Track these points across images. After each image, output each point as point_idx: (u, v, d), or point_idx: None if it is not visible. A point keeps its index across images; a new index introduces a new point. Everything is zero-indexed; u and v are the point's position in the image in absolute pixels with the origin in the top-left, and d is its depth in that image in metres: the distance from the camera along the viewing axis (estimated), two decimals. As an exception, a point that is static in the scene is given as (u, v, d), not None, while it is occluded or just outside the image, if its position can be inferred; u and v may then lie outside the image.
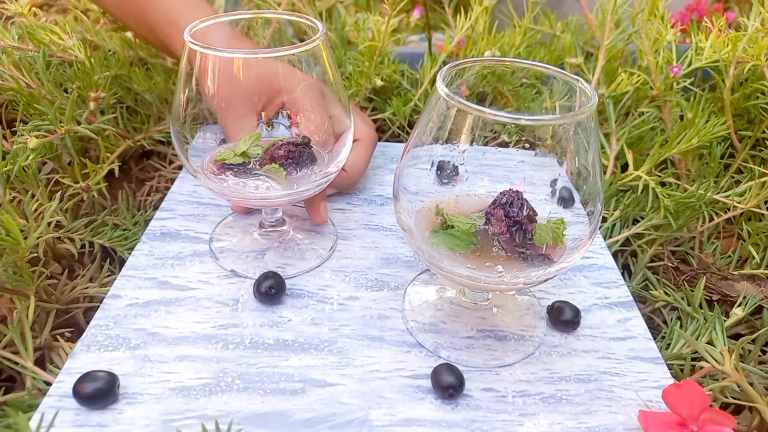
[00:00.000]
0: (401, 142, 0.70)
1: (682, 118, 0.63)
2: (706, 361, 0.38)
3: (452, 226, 0.37)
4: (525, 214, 0.38)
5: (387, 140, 0.71)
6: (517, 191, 0.39)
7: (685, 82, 0.61)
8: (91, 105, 0.54)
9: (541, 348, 0.41)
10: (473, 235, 0.37)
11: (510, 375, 0.39)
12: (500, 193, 0.40)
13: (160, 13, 0.46)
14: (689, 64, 0.60)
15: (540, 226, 0.38)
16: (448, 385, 0.36)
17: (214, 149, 0.44)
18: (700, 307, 0.46)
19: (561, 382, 0.38)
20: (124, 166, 0.66)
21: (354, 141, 0.53)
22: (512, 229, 0.37)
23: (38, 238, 0.42)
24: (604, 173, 0.60)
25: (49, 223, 0.46)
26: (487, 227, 0.38)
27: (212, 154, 0.43)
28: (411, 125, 0.72)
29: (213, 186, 0.41)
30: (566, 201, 0.42)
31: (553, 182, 0.40)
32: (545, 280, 0.36)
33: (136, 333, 0.40)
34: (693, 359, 0.43)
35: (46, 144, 0.49)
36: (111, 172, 0.55)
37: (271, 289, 0.42)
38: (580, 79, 0.36)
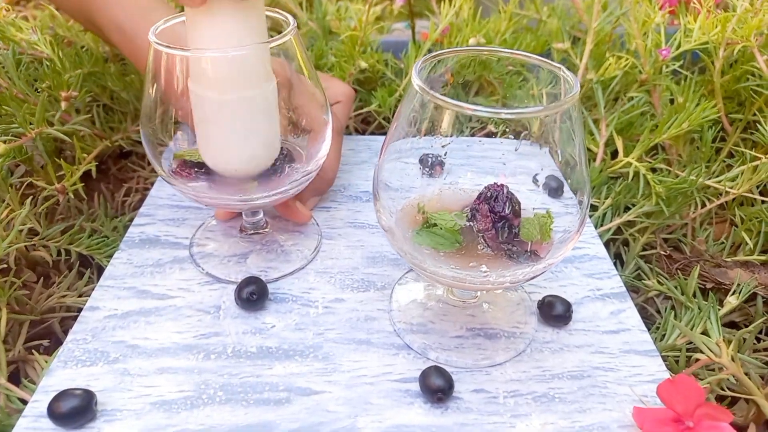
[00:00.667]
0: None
1: (672, 101, 0.62)
2: (702, 352, 0.37)
3: (435, 225, 0.36)
4: (510, 208, 0.37)
5: (372, 133, 0.70)
6: (501, 185, 0.38)
7: (674, 65, 0.59)
8: (63, 105, 0.52)
9: (532, 345, 0.40)
10: (457, 232, 0.36)
11: (501, 374, 0.38)
12: (485, 188, 0.38)
13: (106, 21, 0.45)
14: (678, 47, 0.59)
15: (526, 221, 0.37)
16: (437, 388, 0.35)
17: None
18: (694, 296, 0.45)
19: (553, 380, 0.37)
20: (102, 166, 0.64)
21: (334, 103, 0.52)
22: (498, 225, 0.36)
23: (8, 247, 0.41)
24: (594, 160, 0.59)
25: (21, 230, 0.44)
26: (471, 224, 0.37)
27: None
28: (396, 117, 0.70)
29: (190, 192, 0.40)
30: (555, 191, 0.41)
31: (539, 173, 0.39)
32: (533, 278, 0.35)
33: (114, 346, 0.38)
34: (688, 350, 0.42)
35: (16, 147, 0.47)
36: (88, 173, 0.53)
37: (252, 295, 0.40)
38: (562, 68, 0.34)
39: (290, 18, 0.37)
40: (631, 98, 0.61)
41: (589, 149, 0.60)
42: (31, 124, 0.46)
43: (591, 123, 0.60)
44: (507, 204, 0.37)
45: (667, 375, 0.38)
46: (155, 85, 0.37)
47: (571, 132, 0.32)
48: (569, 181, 0.34)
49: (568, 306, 0.41)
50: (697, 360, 0.38)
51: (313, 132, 0.44)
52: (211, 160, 0.39)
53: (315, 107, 0.43)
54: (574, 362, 0.39)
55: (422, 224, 0.36)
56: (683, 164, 0.57)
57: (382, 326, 0.41)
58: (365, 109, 0.68)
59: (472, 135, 0.37)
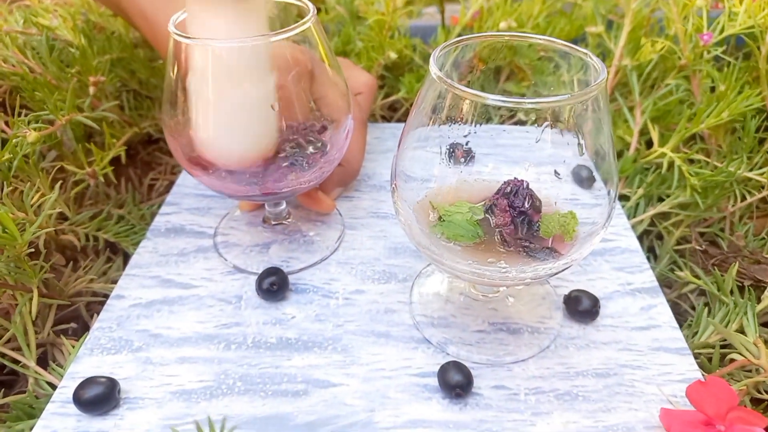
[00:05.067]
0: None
1: (713, 89, 0.59)
2: (740, 353, 0.35)
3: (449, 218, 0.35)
4: (530, 204, 0.36)
5: (399, 120, 0.69)
6: (521, 180, 0.37)
7: (716, 50, 0.56)
8: (91, 90, 0.53)
9: (557, 341, 0.39)
10: (477, 224, 0.35)
11: (523, 371, 0.37)
12: (504, 183, 0.37)
13: (131, 6, 0.45)
14: (721, 31, 0.55)
15: (546, 218, 0.36)
16: (456, 383, 0.34)
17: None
18: (731, 293, 0.43)
19: (578, 378, 0.36)
20: (131, 152, 0.65)
21: (356, 94, 0.51)
22: (517, 221, 0.35)
23: (35, 233, 0.42)
24: (628, 149, 0.56)
25: (50, 215, 0.45)
26: (489, 216, 0.36)
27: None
28: (424, 104, 0.69)
29: (215, 184, 0.39)
30: (585, 181, 0.39)
31: (565, 163, 0.37)
32: (556, 274, 0.33)
33: (138, 335, 0.39)
34: (722, 347, 0.40)
35: (48, 134, 0.48)
36: (117, 159, 0.53)
37: (273, 286, 0.40)
38: (589, 53, 0.33)
39: (311, 5, 0.37)
40: (669, 85, 0.59)
41: (622, 138, 0.58)
42: (61, 110, 0.47)
43: (626, 110, 0.58)
44: (527, 199, 0.36)
45: (698, 375, 0.36)
46: (176, 75, 0.36)
47: (599, 121, 0.30)
48: (599, 172, 0.33)
49: (595, 301, 0.40)
50: (732, 360, 0.36)
51: (336, 123, 0.43)
52: (208, 154, 0.38)
53: (337, 97, 0.42)
54: (600, 359, 0.37)
55: (439, 217, 0.36)
56: (723, 155, 0.54)
57: (402, 319, 0.40)
58: (392, 97, 0.67)
59: (502, 123, 0.36)
